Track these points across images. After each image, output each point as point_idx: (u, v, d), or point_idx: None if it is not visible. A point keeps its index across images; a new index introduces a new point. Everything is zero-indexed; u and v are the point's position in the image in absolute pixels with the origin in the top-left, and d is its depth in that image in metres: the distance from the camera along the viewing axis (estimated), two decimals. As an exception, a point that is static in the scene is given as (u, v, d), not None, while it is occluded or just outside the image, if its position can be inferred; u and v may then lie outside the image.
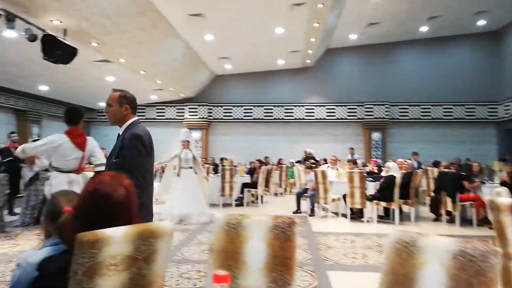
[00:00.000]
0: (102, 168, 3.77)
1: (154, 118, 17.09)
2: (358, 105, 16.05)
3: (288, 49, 13.62)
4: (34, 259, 1.36)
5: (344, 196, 7.38)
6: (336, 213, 7.98)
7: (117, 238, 1.32)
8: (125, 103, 2.45)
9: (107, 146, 17.26)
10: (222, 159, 13.95)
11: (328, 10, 10.03)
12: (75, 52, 7.37)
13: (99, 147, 4.25)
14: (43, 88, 12.63)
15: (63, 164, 3.92)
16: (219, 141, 17.01)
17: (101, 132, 17.61)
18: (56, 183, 3.83)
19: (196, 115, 16.65)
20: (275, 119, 16.50)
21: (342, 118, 16.23)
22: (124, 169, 2.24)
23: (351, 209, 7.31)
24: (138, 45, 9.86)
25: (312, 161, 10.65)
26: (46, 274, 1.32)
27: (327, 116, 16.27)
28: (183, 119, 16.74)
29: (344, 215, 7.55)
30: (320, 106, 16.32)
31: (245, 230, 1.81)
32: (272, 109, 16.49)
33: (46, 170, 6.82)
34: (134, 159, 2.34)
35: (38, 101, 13.84)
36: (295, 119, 16.41)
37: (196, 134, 16.64)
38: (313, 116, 16.32)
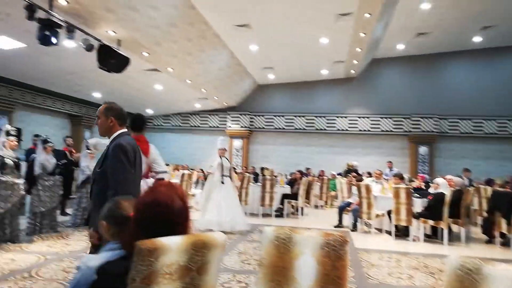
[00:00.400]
0: (165, 175, 3.88)
1: (198, 126, 17.48)
2: (404, 118, 15.52)
3: (332, 59, 13.49)
4: (93, 263, 1.41)
5: (389, 212, 7.12)
6: (380, 230, 7.70)
7: (173, 247, 1.35)
8: (111, 115, 2.53)
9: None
10: (262, 168, 13.97)
11: (375, 20, 9.85)
12: (128, 62, 7.73)
13: (159, 155, 4.32)
14: (96, 95, 13.35)
15: None
16: (260, 150, 17.08)
17: (148, 138, 18.26)
18: None
19: (238, 124, 16.84)
20: (316, 129, 16.33)
21: (387, 131, 15.75)
22: (106, 179, 2.32)
23: (396, 226, 7.03)
24: (186, 55, 10.18)
25: (355, 174, 10.40)
26: (104, 278, 1.37)
27: (371, 128, 15.86)
28: (225, 127, 16.99)
29: (388, 232, 7.27)
30: (364, 117, 15.96)
31: (295, 245, 1.79)
32: (314, 119, 16.34)
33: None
34: (114, 169, 2.38)
35: (91, 107, 14.62)
36: (338, 130, 16.15)
37: (238, 143, 16.84)
38: (356, 127, 15.98)
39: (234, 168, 14.71)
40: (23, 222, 5.94)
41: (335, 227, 7.95)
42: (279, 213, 9.17)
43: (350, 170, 11.47)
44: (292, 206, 9.49)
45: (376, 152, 15.58)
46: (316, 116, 16.30)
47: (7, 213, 5.28)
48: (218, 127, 17.24)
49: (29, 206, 6.09)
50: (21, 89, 11.69)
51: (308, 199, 10.13)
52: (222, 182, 7.03)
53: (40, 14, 5.91)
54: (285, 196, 9.27)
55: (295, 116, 16.50)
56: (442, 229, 6.67)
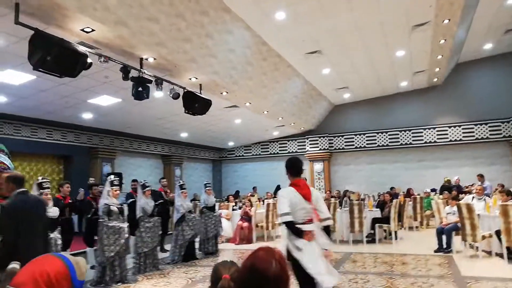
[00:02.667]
0: (329, 222, 3.52)
1: (277, 153, 17.73)
2: (502, 122, 14.01)
3: (411, 70, 12.88)
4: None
5: (498, 233, 6.40)
6: (489, 252, 6.93)
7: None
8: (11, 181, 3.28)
9: (237, 181, 18.51)
10: (346, 191, 13.55)
11: (455, 25, 9.25)
12: (210, 104, 8.25)
13: (322, 199, 3.80)
14: (183, 135, 14.42)
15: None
16: (341, 171, 16.68)
17: (231, 169, 19.04)
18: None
19: (317, 147, 16.72)
20: (401, 144, 15.49)
21: (482, 138, 14.34)
22: None
23: (508, 248, 6.28)
24: (261, 88, 10.55)
25: (447, 193, 9.56)
26: None
27: (463, 137, 14.58)
28: (304, 151, 16.97)
29: (499, 255, 6.51)
30: (454, 126, 14.75)
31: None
32: (398, 134, 15.55)
33: (190, 212, 7.65)
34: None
35: (179, 146, 15.80)
36: (425, 143, 15.13)
37: (318, 166, 16.66)
38: (446, 138, 14.82)
39: (326, 192, 14.57)
40: (129, 262, 6.52)
41: (435, 251, 7.37)
42: (371, 239, 8.77)
43: (447, 187, 10.60)
44: (385, 231, 9.02)
45: (471, 162, 14.23)
46: (400, 131, 15.50)
47: (116, 256, 5.86)
48: (297, 152, 17.29)
49: (133, 247, 6.67)
50: (120, 137, 13.13)
51: (401, 221, 9.55)
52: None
53: (133, 73, 6.66)
54: (375, 220, 8.87)
55: (376, 133, 15.88)
56: None
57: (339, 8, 7.88)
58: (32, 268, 1.76)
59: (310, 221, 3.39)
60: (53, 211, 4.94)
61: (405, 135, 15.44)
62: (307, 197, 3.45)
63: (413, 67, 12.52)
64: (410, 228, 10.63)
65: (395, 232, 8.81)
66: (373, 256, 7.29)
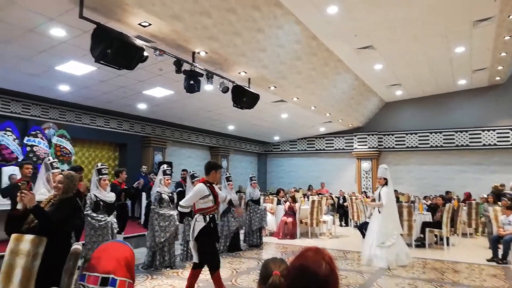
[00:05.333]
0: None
1: (323, 149, 17.48)
2: None
3: (470, 68, 12.09)
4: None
5: None
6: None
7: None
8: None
9: (282, 176, 18.55)
10: (395, 191, 13.08)
11: (523, 20, 8.54)
12: (258, 98, 8.29)
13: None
14: (230, 127, 14.66)
15: None
16: (391, 171, 15.89)
17: (276, 163, 19.09)
18: None
19: (365, 145, 16.27)
20: (457, 146, 14.65)
21: (550, 143, 13.21)
22: None
23: None
24: (310, 83, 10.42)
25: (506, 201, 8.90)
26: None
27: (527, 140, 13.52)
28: (352, 149, 16.60)
29: None
30: (517, 129, 13.73)
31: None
32: (453, 135, 14.72)
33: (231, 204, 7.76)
34: None
35: (226, 138, 16.09)
36: (483, 145, 14.20)
37: (366, 165, 16.23)
38: (508, 141, 13.81)
39: (365, 192, 14.21)
40: (177, 248, 6.76)
41: (488, 260, 6.94)
42: (420, 243, 8.42)
43: (499, 192, 9.90)
44: (435, 236, 8.62)
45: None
46: (456, 131, 14.67)
47: (166, 242, 6.10)
48: (344, 149, 16.96)
49: (182, 234, 6.91)
50: (171, 128, 13.61)
51: (454, 227, 9.07)
52: (371, 214, 6.88)
53: (185, 66, 6.85)
54: (426, 225, 8.50)
55: (430, 133, 15.14)
56: None
57: (396, 2, 7.55)
58: (113, 255, 1.97)
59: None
60: (110, 196, 5.22)
61: (461, 136, 14.58)
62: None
63: (473, 65, 11.75)
64: (464, 234, 10.07)
65: (447, 238, 8.39)
66: (422, 261, 7.00)
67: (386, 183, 6.90)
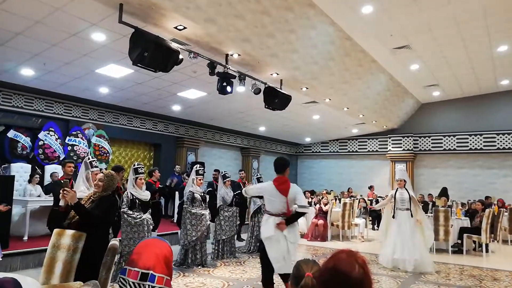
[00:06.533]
0: (305, 210, 4.00)
1: (356, 151, 17.19)
2: None
3: (515, 67, 11.51)
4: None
5: None
6: None
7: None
8: None
9: (312, 178, 18.41)
10: (429, 195, 12.67)
11: None
12: (289, 99, 8.29)
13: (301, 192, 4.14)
14: (261, 129, 14.71)
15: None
16: (427, 174, 15.61)
17: (307, 164, 18.97)
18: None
19: (400, 147, 15.85)
20: (498, 149, 13.98)
21: None
22: None
23: None
24: (343, 84, 10.29)
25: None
26: None
27: None
28: (386, 151, 16.22)
29: None
30: None
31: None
32: (494, 137, 14.06)
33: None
34: None
35: (257, 139, 16.16)
36: (528, 148, 13.48)
37: (400, 167, 15.79)
38: (555, 144, 13.03)
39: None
40: (209, 247, 6.88)
41: (533, 271, 6.58)
42: (457, 249, 8.11)
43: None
44: (474, 242, 8.28)
45: None
46: (497, 133, 14.00)
47: (197, 240, 6.23)
48: (377, 151, 16.59)
49: (213, 234, 7.02)
50: (204, 129, 13.85)
51: (494, 233, 8.67)
52: (393, 217, 6.68)
53: (219, 68, 6.97)
54: (464, 230, 8.18)
55: (469, 135, 14.54)
56: None
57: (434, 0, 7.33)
58: (153, 251, 2.08)
59: (283, 214, 3.91)
60: (145, 194, 5.40)
61: (504, 139, 13.90)
62: (284, 192, 3.93)
63: (517, 63, 11.18)
64: (505, 241, 9.60)
65: (486, 245, 8.03)
66: (459, 268, 6.75)
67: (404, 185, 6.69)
